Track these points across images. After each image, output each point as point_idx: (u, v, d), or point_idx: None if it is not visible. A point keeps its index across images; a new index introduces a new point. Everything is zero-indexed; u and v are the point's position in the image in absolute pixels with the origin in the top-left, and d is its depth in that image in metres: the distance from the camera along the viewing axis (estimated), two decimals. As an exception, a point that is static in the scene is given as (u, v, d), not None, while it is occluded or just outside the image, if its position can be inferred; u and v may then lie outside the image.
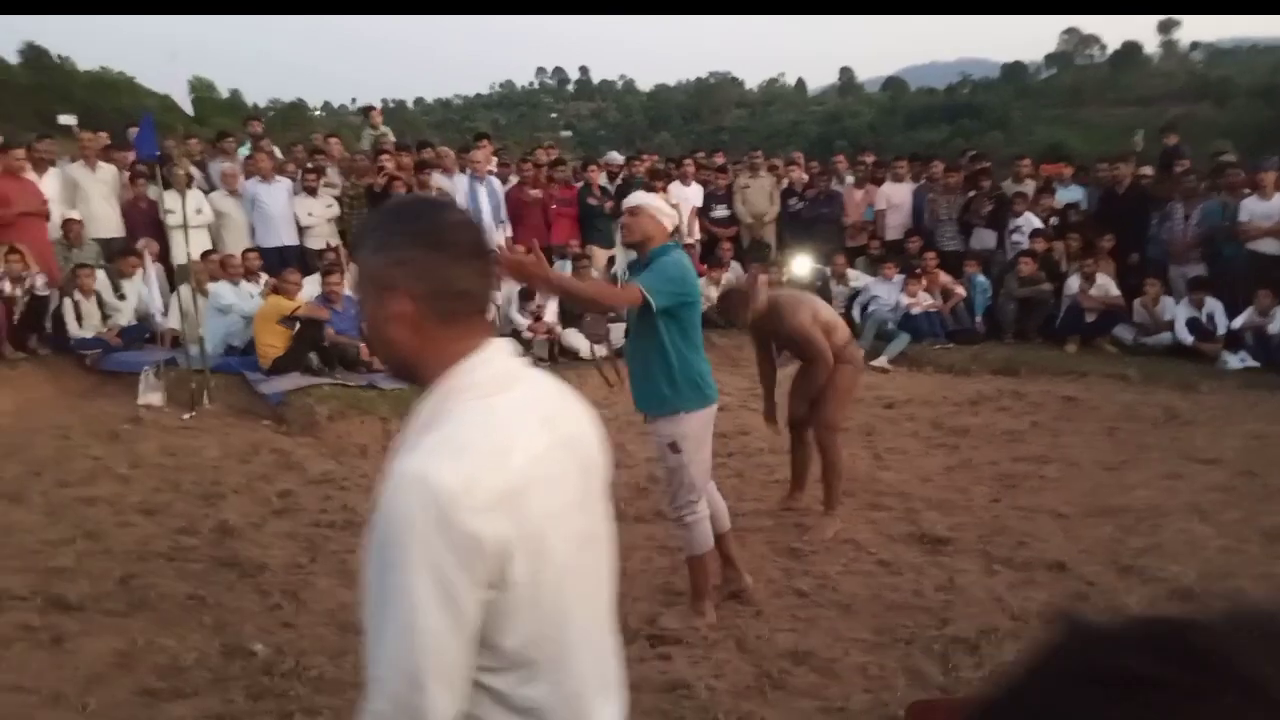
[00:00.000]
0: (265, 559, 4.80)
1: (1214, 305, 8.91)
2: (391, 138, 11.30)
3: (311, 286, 8.47)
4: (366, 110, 12.27)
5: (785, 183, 11.09)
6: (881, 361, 9.22)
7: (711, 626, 4.09)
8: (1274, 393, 7.85)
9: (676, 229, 4.03)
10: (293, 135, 14.47)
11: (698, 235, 10.79)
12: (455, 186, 9.74)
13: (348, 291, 8.63)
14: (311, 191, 9.55)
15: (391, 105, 77.73)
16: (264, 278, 8.70)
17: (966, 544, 4.93)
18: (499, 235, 9.78)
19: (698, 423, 3.97)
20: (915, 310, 9.63)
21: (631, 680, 3.70)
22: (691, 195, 10.72)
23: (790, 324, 5.03)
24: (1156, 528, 5.10)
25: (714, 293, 10.10)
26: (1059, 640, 0.46)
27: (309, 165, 9.93)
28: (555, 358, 8.57)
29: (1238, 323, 8.74)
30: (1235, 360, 8.58)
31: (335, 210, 9.70)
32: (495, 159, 10.94)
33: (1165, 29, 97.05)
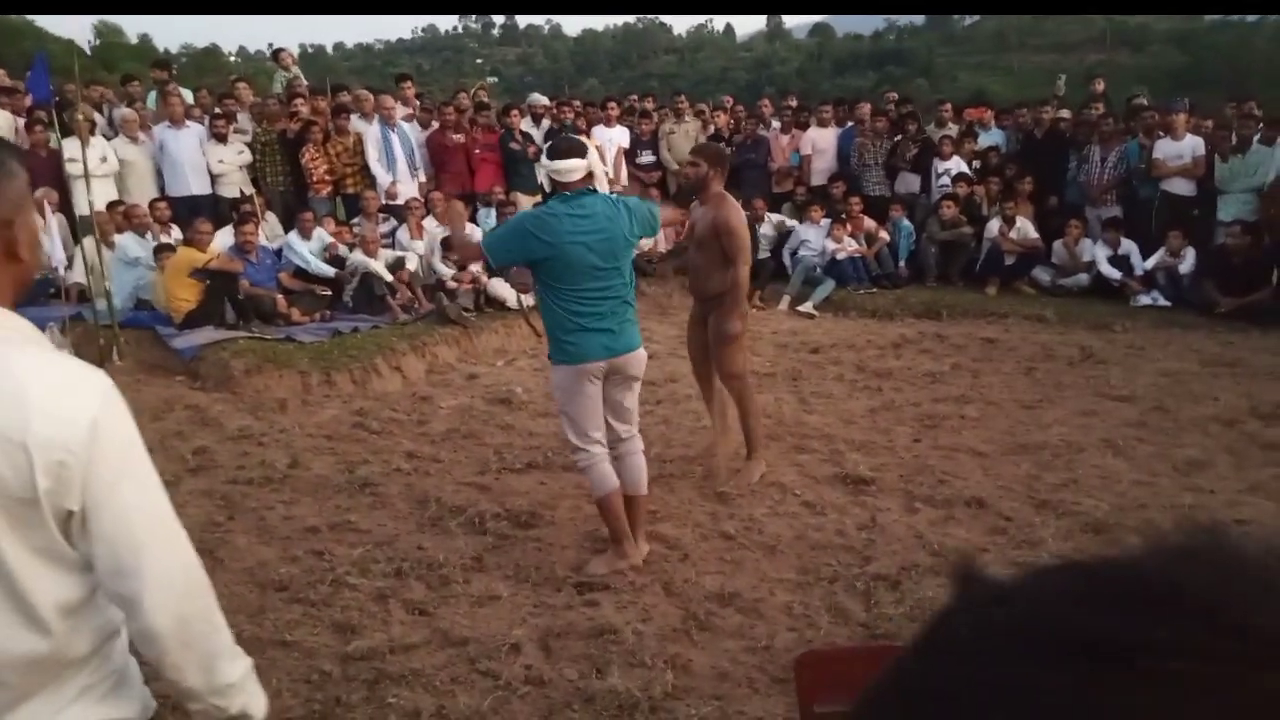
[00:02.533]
0: (181, 518, 4.64)
1: (1129, 246, 9.13)
2: (303, 80, 10.91)
3: (223, 236, 8.19)
4: (277, 53, 11.81)
5: (711, 128, 11.01)
6: (807, 307, 9.28)
7: (638, 570, 4.10)
8: (1185, 331, 8.10)
9: (589, 174, 3.90)
10: (207, 81, 13.88)
11: (625, 180, 10.68)
12: (370, 132, 9.46)
13: (263, 241, 8.38)
14: (222, 138, 9.19)
15: (310, 50, 75.31)
16: (174, 229, 8.38)
17: (889, 484, 5.00)
18: (412, 183, 9.55)
19: (561, 376, 4.05)
20: (840, 255, 9.69)
21: (558, 627, 3.74)
22: (616, 136, 10.59)
23: (731, 215, 4.88)
24: (1072, 463, 5.24)
25: (643, 241, 10.06)
26: (985, 603, 0.37)
27: (218, 111, 9.54)
28: (482, 308, 8.45)
29: (1150, 263, 8.98)
30: (1147, 299, 8.83)
31: (247, 157, 9.36)
32: (418, 103, 10.64)
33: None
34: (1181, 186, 9.23)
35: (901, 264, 9.89)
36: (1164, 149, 9.26)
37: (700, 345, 5.27)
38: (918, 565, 4.06)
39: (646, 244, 9.98)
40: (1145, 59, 51.30)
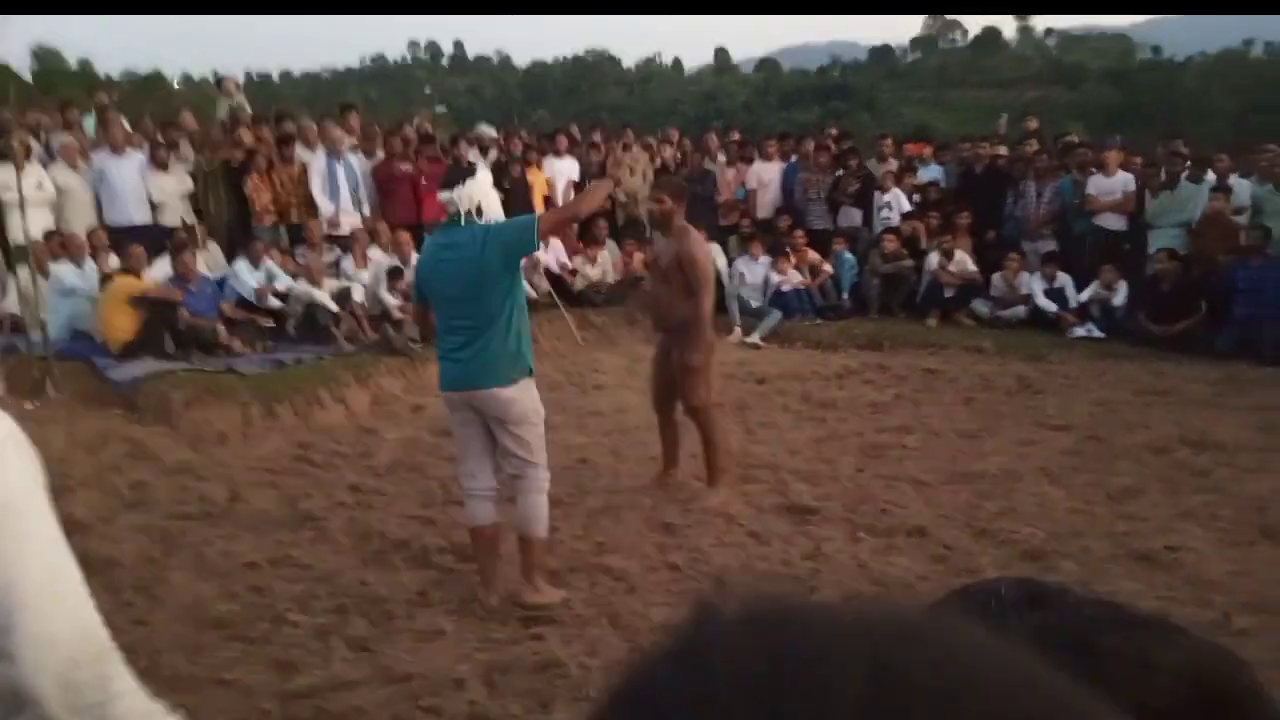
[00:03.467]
0: (116, 554, 4.55)
1: (1064, 279, 9.38)
2: (248, 109, 10.82)
3: (163, 266, 8.05)
4: (220, 81, 11.70)
5: (659, 161, 11.13)
6: (754, 338, 9.38)
7: (566, 605, 4.08)
8: (1118, 362, 8.32)
9: (477, 208, 3.90)
10: (149, 108, 13.70)
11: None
12: (315, 162, 9.41)
13: (203, 270, 8.27)
14: (163, 166, 9.06)
15: (256, 79, 74.59)
16: (113, 257, 8.22)
17: (833, 513, 5.06)
18: (355, 214, 9.49)
19: (446, 405, 4.10)
20: (785, 288, 9.82)
21: (503, 662, 3.71)
22: (566, 168, 10.65)
23: (694, 248, 4.97)
24: (1011, 491, 5.35)
25: (591, 271, 10.12)
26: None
27: (160, 138, 9.41)
28: (429, 338, 8.39)
29: (1085, 296, 9.23)
30: (1082, 331, 9.07)
31: (189, 185, 9.23)
32: (355, 133, 10.56)
33: (1022, 15, 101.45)
34: (1113, 221, 9.52)
35: (845, 296, 10.05)
36: (1097, 185, 9.55)
37: (662, 376, 5.33)
38: (860, 594, 4.10)
39: (593, 273, 10.04)
40: (1080, 96, 52.86)
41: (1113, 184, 9.49)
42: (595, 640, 3.82)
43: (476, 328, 3.88)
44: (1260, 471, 5.61)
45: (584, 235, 10.50)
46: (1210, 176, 9.37)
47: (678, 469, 5.56)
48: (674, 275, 5.02)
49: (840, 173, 10.64)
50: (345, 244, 9.26)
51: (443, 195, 3.92)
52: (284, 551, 4.68)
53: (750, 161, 11.12)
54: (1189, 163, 9.52)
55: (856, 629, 0.34)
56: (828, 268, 10.05)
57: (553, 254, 9.99)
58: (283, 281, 8.52)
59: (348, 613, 4.07)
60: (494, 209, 3.94)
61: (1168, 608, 3.83)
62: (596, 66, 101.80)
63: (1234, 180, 9.26)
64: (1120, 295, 9.08)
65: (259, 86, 60.98)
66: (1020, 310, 9.47)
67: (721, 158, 11.36)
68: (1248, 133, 24.62)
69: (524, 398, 3.94)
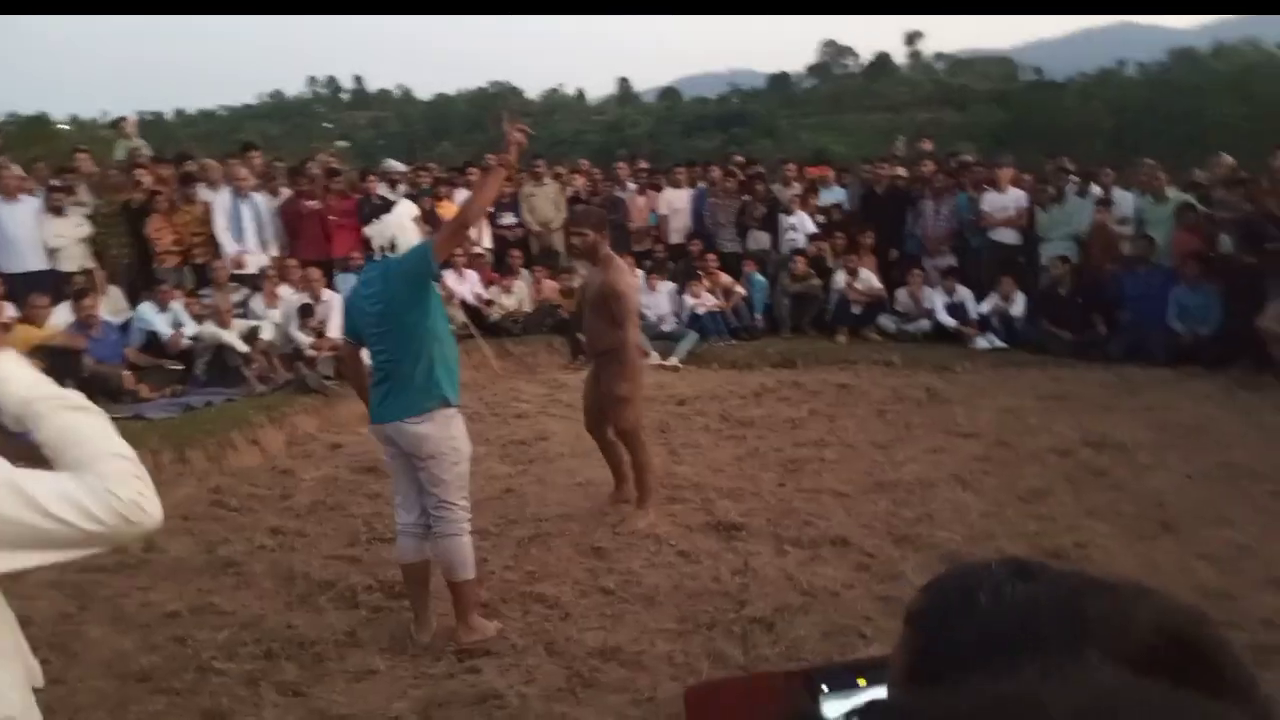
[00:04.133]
0: (28, 612, 4.36)
1: (964, 293, 9.74)
2: (147, 150, 10.56)
3: (63, 313, 7.79)
4: (117, 122, 11.40)
5: (570, 190, 11.22)
6: (673, 361, 9.49)
7: (502, 636, 4.07)
8: (1020, 370, 8.67)
9: (390, 243, 3.92)
10: (37, 151, 13.23)
11: (488, 243, 10.74)
12: (219, 201, 9.24)
13: (105, 316, 8.02)
14: (58, 211, 8.77)
15: (149, 118, 72.48)
16: (8, 306, 7.92)
17: (758, 528, 5.15)
18: (260, 254, 9.33)
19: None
20: (700, 310, 9.99)
21: (440, 697, 3.68)
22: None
23: (618, 279, 5.05)
24: (926, 498, 5.52)
25: (506, 301, 10.11)
26: None
27: (55, 183, 9.12)
28: (350, 377, 8.27)
29: (985, 308, 9.60)
30: (985, 342, 9.42)
31: (86, 230, 8.95)
32: (258, 171, 10.39)
33: (912, 40, 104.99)
34: (1008, 236, 9.94)
35: (758, 316, 10.26)
36: (990, 202, 9.96)
37: (593, 401, 5.38)
38: (789, 605, 4.19)
39: (509, 303, 10.03)
40: (969, 117, 54.89)
41: (1005, 200, 9.91)
42: (532, 669, 3.82)
43: (391, 360, 3.87)
44: (1157, 468, 5.91)
45: (499, 266, 10.51)
46: (1096, 190, 9.85)
47: (628, 484, 5.59)
48: (600, 305, 5.11)
49: (747, 197, 10.89)
50: (252, 283, 9.10)
51: (365, 230, 3.93)
52: (205, 599, 4.55)
53: (660, 189, 11.30)
54: (1074, 178, 10.01)
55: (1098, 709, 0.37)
56: (740, 290, 10.25)
57: (468, 285, 9.96)
58: (191, 327, 8.32)
59: (276, 657, 3.98)
60: (411, 241, 3.93)
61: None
62: (500, 98, 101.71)
63: (1117, 193, 9.76)
64: (1018, 306, 9.48)
65: (152, 126, 59.29)
66: (924, 324, 9.80)
67: (631, 185, 11.50)
68: (1126, 148, 25.96)
69: (437, 433, 3.86)
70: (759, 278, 10.42)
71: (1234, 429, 6.65)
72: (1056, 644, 0.49)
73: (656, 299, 10.11)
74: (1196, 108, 36.31)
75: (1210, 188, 9.45)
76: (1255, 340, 7.83)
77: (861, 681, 0.81)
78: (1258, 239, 8.28)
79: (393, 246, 3.90)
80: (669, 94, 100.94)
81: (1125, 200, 9.66)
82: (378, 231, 3.94)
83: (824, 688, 0.78)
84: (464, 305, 9.49)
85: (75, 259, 8.79)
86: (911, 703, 0.43)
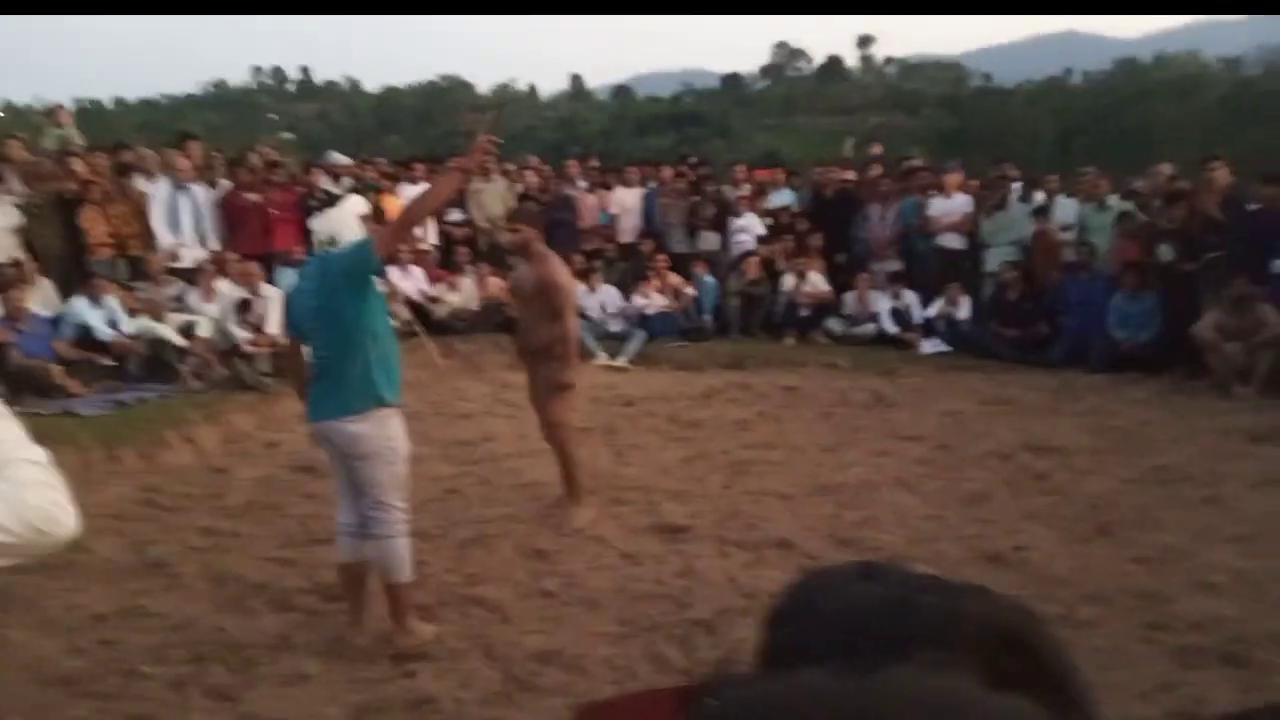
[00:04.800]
0: (-57, 615, 4.20)
1: (910, 297, 9.84)
2: (79, 140, 10.26)
3: (-9, 305, 7.53)
4: (53, 110, 11.07)
5: (520, 187, 11.12)
6: (621, 361, 9.45)
7: (439, 640, 4.00)
8: (964, 374, 8.77)
9: (332, 238, 3.84)
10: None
11: (434, 239, 10.61)
12: (157, 193, 9.00)
13: (35, 308, 7.78)
14: (-12, 199, 8.48)
15: (87, 105, 70.58)
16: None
17: (703, 530, 5.13)
18: (197, 248, 9.11)
19: None
20: (650, 311, 9.96)
21: (374, 702, 3.60)
22: (422, 197, 10.50)
23: (555, 271, 5.03)
24: (869, 501, 5.55)
25: (453, 298, 10.00)
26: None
27: (-17, 170, 8.82)
28: (289, 374, 8.12)
29: (931, 312, 9.70)
30: (930, 346, 9.52)
31: (16, 219, 8.66)
32: (197, 162, 10.14)
33: (863, 44, 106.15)
34: (954, 241, 10.05)
35: (707, 318, 10.26)
36: (937, 207, 10.06)
37: (538, 401, 5.33)
38: (731, 608, 4.17)
39: (455, 300, 9.92)
40: (919, 122, 55.60)
41: (952, 205, 10.02)
42: (469, 673, 3.76)
43: (328, 358, 3.79)
44: (1095, 473, 6.00)
45: (445, 262, 10.39)
46: (1039, 197, 10.00)
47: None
48: (536, 299, 5.09)
49: (697, 198, 10.88)
50: (188, 277, 8.89)
51: (310, 223, 3.86)
52: (134, 601, 4.42)
53: (611, 187, 11.25)
54: (1019, 184, 10.16)
55: (910, 702, 0.38)
56: (690, 290, 10.24)
57: (413, 281, 9.83)
58: (127, 324, 8.09)
59: (206, 661, 3.87)
60: (354, 237, 3.84)
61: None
62: (450, 92, 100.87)
63: (1060, 200, 9.91)
64: (964, 310, 9.59)
65: (90, 114, 57.83)
66: (870, 328, 9.87)
67: (582, 184, 11.44)
68: (1071, 155, 26.48)
69: (372, 432, 3.77)
70: (708, 279, 10.42)
71: (1169, 434, 6.78)
72: (888, 641, 0.51)
73: (594, 300, 10.04)
74: (1139, 116, 37.17)
75: (1150, 196, 9.65)
76: (1191, 348, 8.00)
77: None
78: (1196, 249, 8.46)
79: (333, 241, 3.81)
80: (622, 92, 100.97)
81: (1068, 208, 9.82)
82: (321, 225, 3.86)
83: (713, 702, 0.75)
84: (409, 302, 9.36)
85: (4, 249, 8.49)
86: (714, 699, 0.44)
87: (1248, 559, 4.60)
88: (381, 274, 3.98)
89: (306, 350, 4.00)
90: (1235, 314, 7.79)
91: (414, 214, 4.14)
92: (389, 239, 3.97)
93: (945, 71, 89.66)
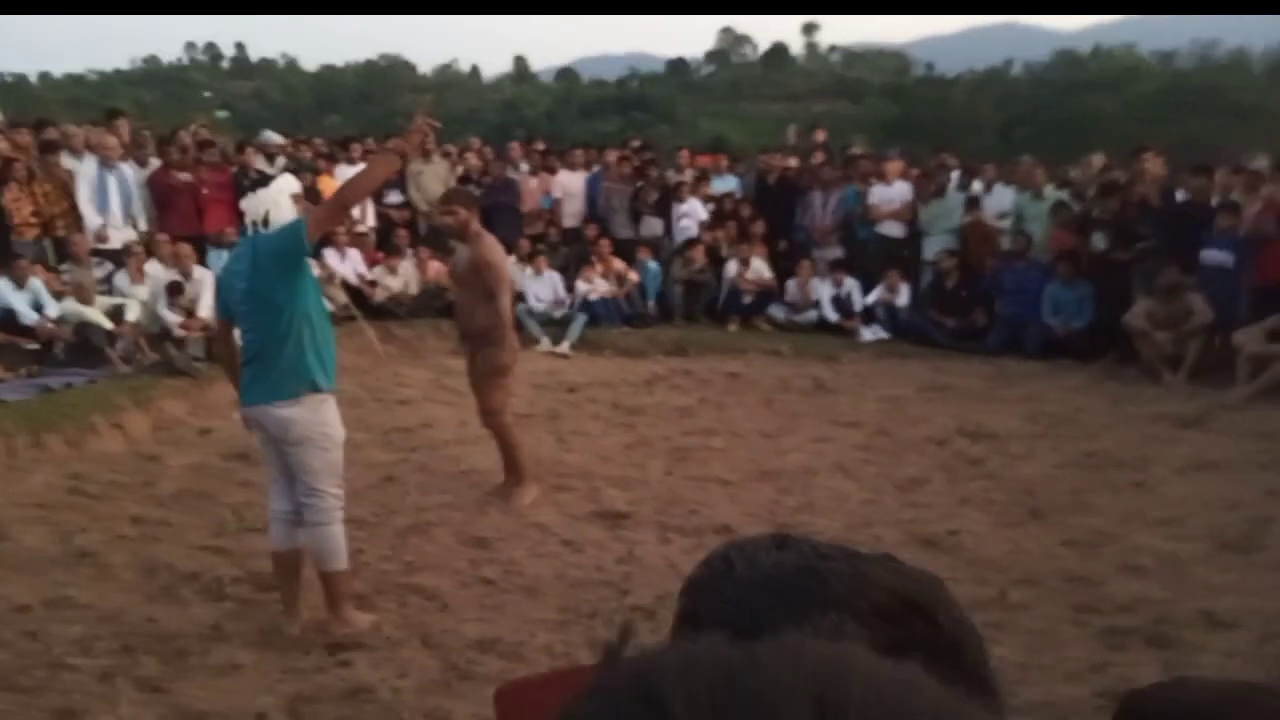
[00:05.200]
0: None
1: (851, 284, 9.93)
2: (0, 115, 9.89)
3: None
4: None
5: (461, 169, 10.99)
6: (563, 347, 9.40)
7: (376, 629, 3.95)
8: (904, 361, 8.89)
9: (264, 218, 3.74)
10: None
11: (372, 221, 10.43)
12: (84, 171, 8.72)
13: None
14: (-97, 176, 8.15)
15: (10, 79, 68.16)
16: None
17: (644, 516, 5.15)
18: (126, 227, 8.86)
19: None
20: (593, 296, 9.91)
21: (309, 692, 3.55)
22: (359, 177, 10.34)
23: (490, 252, 5.02)
24: (809, 486, 5.61)
25: (392, 282, 9.85)
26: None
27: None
28: (220, 358, 7.93)
29: (871, 299, 9.80)
30: (870, 333, 9.62)
31: (-65, 197, 8.34)
32: (125, 140, 9.85)
33: (808, 31, 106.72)
34: (894, 229, 10.15)
35: (650, 304, 10.24)
36: (878, 194, 10.15)
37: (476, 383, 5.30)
38: (672, 594, 4.13)
39: (395, 284, 9.78)
40: (863, 110, 56.09)
41: (892, 193, 10.12)
42: (406, 662, 3.72)
43: (258, 341, 3.72)
44: (1028, 458, 6.13)
45: (384, 245, 10.22)
46: (977, 185, 10.14)
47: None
48: (472, 281, 5.08)
49: (641, 183, 10.85)
50: (116, 258, 8.63)
51: (241, 205, 3.76)
52: (60, 591, 4.29)
53: (554, 171, 11.16)
54: (956, 173, 10.29)
55: (796, 666, 0.38)
56: (634, 276, 10.21)
57: (350, 265, 9.66)
58: (53, 307, 7.84)
59: (135, 652, 3.78)
60: (286, 218, 3.76)
61: (950, 588, 4.11)
62: (391, 71, 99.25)
63: (997, 188, 10.06)
64: (903, 297, 9.70)
65: (14, 89, 55.86)
66: (812, 315, 9.95)
67: (525, 167, 11.34)
68: (1011, 144, 26.92)
69: (305, 417, 3.72)
70: (652, 264, 10.39)
71: (1101, 419, 6.95)
72: (797, 606, 0.53)
73: (542, 283, 9.98)
74: (1077, 107, 37.91)
75: (1084, 186, 9.84)
76: (1123, 335, 8.20)
77: None
78: (1128, 238, 8.66)
79: (265, 222, 3.73)
80: (566, 74, 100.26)
81: (1005, 196, 9.97)
82: (252, 205, 3.77)
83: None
84: (346, 286, 9.20)
85: (-79, 228, 8.18)
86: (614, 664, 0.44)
87: (1174, 541, 4.74)
88: (314, 255, 3.90)
89: (238, 334, 3.92)
90: (1165, 303, 8.00)
91: (349, 195, 4.08)
92: (322, 220, 3.90)
93: (889, 60, 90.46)
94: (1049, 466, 5.96)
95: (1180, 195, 9.08)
